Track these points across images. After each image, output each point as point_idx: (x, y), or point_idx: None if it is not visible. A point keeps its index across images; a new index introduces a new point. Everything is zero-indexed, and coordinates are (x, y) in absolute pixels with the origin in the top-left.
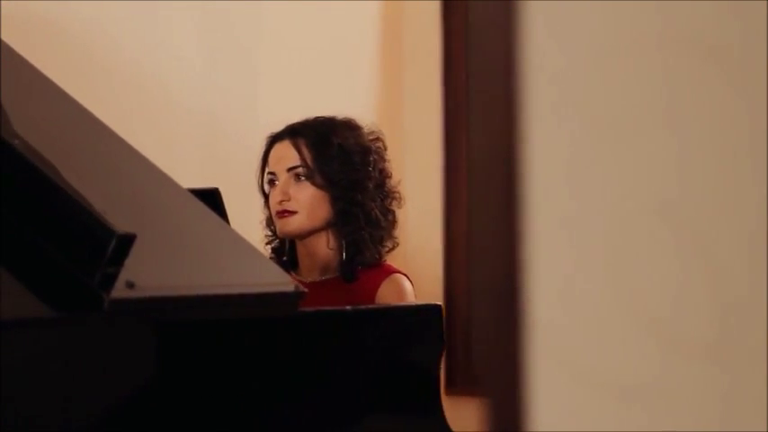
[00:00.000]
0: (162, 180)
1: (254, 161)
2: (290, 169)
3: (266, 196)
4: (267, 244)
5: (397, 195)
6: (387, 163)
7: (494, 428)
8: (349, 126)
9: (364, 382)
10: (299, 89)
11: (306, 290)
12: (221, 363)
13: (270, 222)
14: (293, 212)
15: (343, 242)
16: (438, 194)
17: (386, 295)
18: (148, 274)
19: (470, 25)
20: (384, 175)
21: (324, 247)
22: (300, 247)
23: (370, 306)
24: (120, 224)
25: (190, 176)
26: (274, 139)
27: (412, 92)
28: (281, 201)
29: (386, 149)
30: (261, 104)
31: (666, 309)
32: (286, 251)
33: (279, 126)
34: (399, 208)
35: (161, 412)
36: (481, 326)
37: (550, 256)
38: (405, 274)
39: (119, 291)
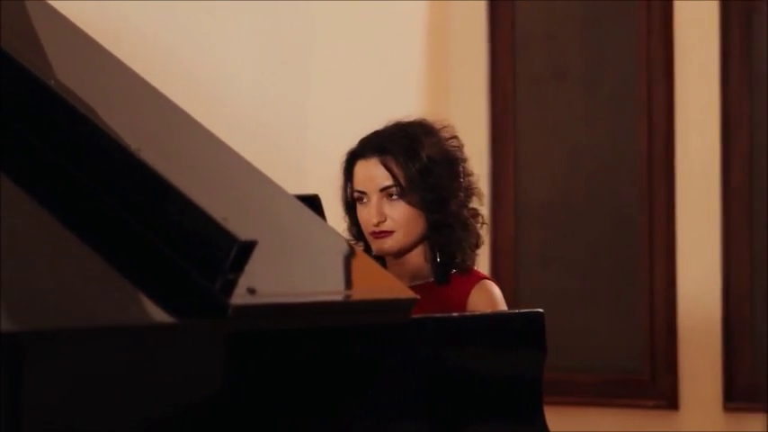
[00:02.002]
0: (269, 185)
1: (303, 170)
2: (382, 189)
3: (347, 207)
4: None
5: (478, 191)
6: (467, 162)
7: None
8: (426, 132)
9: (468, 389)
10: (347, 94)
11: (418, 296)
12: (333, 369)
13: (353, 230)
14: (390, 232)
15: (438, 251)
16: (485, 199)
17: (477, 302)
18: (267, 280)
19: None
20: (468, 176)
21: (416, 259)
22: (390, 257)
23: (476, 312)
24: (239, 230)
25: None
26: (357, 156)
27: (458, 96)
28: (378, 222)
29: (463, 145)
30: (310, 110)
31: None
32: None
33: (326, 134)
34: (481, 205)
35: (273, 417)
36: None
37: None
38: (493, 280)
39: (240, 297)
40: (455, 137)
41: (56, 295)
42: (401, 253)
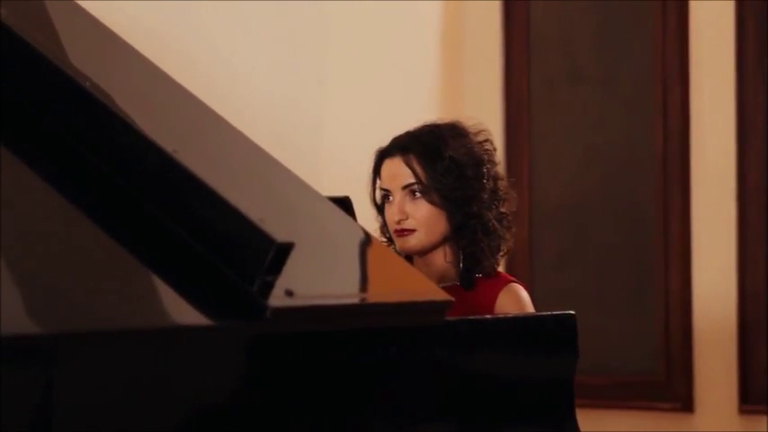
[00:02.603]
0: (301, 186)
1: (318, 173)
2: (404, 187)
3: (378, 207)
4: None
5: (509, 196)
6: (498, 167)
7: None
8: (456, 133)
9: (500, 391)
10: (361, 96)
11: (453, 299)
12: (365, 371)
13: (385, 230)
14: (412, 231)
15: (461, 254)
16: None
17: (505, 304)
18: (304, 282)
19: None
20: (497, 179)
21: (441, 260)
22: (417, 258)
23: (508, 314)
24: (276, 231)
25: None
26: (384, 155)
27: (472, 98)
28: (400, 220)
29: (495, 150)
30: (324, 112)
31: None
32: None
33: (341, 137)
34: (513, 209)
35: (307, 419)
36: None
37: None
38: (520, 283)
39: (278, 299)
40: (488, 140)
41: (92, 297)
42: (424, 253)
